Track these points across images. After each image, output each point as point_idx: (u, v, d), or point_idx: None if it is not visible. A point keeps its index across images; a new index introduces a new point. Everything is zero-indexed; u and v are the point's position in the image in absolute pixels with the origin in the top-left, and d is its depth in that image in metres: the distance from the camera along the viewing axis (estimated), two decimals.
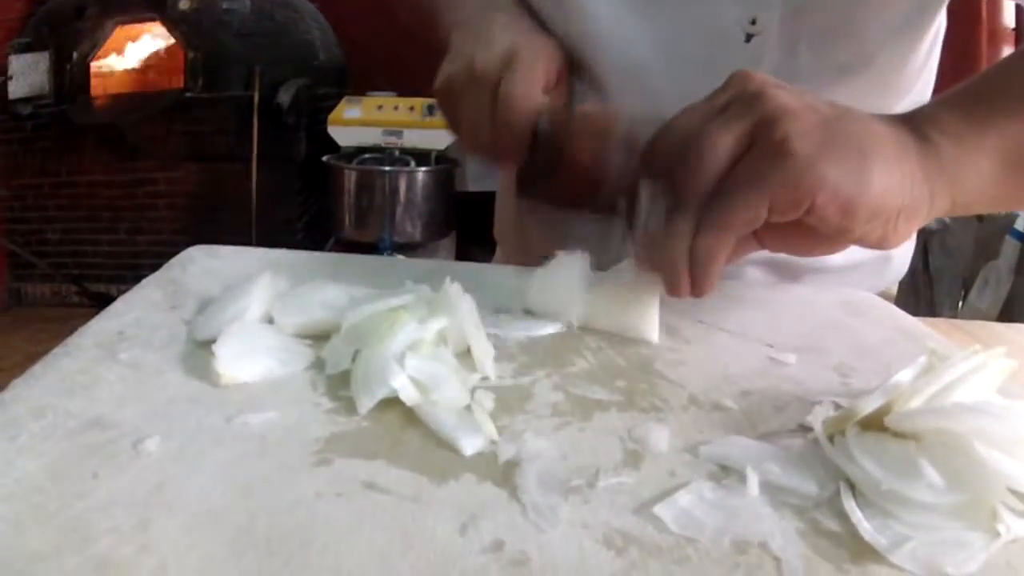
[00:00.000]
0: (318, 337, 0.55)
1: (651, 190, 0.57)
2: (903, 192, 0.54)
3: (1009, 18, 3.78)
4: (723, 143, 0.52)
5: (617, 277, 0.63)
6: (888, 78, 0.81)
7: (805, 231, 0.55)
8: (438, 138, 3.71)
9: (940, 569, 0.35)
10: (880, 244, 0.56)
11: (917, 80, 0.86)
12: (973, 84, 0.61)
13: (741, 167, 0.52)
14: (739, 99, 0.54)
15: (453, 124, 0.74)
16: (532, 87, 0.68)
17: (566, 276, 0.62)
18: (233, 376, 0.48)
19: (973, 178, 0.57)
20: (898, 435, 0.43)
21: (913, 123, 0.57)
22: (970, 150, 0.57)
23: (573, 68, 0.77)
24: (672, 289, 0.56)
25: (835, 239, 0.56)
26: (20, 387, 0.46)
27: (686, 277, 0.55)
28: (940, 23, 0.83)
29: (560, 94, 0.73)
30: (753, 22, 0.75)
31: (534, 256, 0.93)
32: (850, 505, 0.39)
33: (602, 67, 0.81)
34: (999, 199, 0.62)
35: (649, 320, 0.61)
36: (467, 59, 0.71)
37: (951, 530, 0.38)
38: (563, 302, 0.62)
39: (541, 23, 0.79)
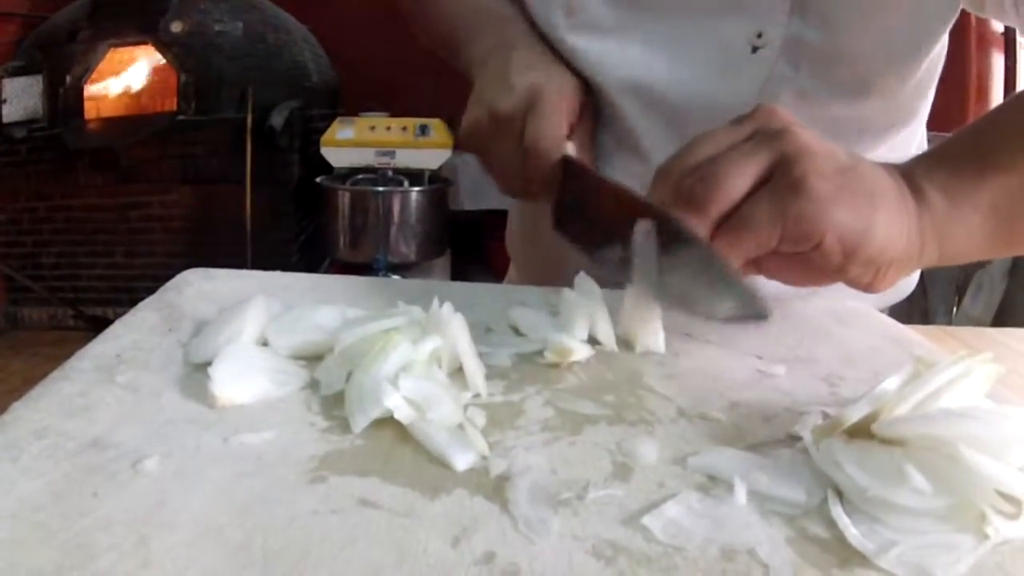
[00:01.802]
0: (312, 358, 0.55)
1: (646, 227, 0.58)
2: (900, 244, 0.57)
3: (998, 24, 3.80)
4: (746, 170, 0.55)
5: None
6: (888, 99, 0.82)
7: (803, 263, 0.57)
8: (431, 158, 3.73)
9: (928, 573, 0.36)
10: (868, 288, 0.59)
11: (919, 102, 0.87)
12: (966, 136, 0.64)
13: (760, 195, 0.55)
14: (764, 132, 0.56)
15: (485, 167, 0.77)
16: (556, 134, 0.70)
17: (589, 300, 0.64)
18: (229, 397, 0.49)
19: (963, 234, 0.60)
20: (885, 442, 0.43)
21: (911, 176, 0.60)
22: (962, 207, 0.60)
23: (591, 97, 0.80)
24: None
25: (830, 276, 0.59)
26: (20, 409, 0.47)
27: None
28: (942, 47, 0.84)
29: (584, 129, 0.76)
30: (759, 35, 0.76)
31: (547, 269, 0.94)
32: (837, 511, 0.40)
33: (614, 88, 0.81)
34: (986, 250, 0.64)
35: (653, 332, 0.62)
36: (489, 105, 0.73)
37: (939, 534, 0.39)
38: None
39: (553, 50, 0.81)
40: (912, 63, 0.79)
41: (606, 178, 0.67)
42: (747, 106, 0.76)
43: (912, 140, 0.91)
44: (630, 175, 0.85)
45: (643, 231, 0.58)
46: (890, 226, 0.57)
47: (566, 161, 0.69)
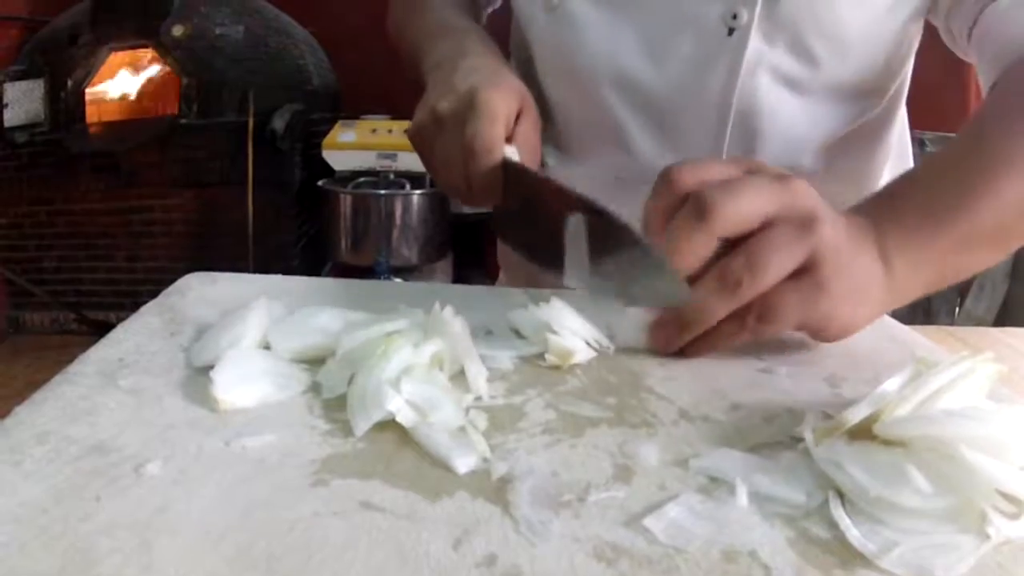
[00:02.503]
0: (314, 361, 0.55)
1: (577, 219, 0.60)
2: (871, 318, 0.63)
3: None
4: (786, 265, 0.57)
5: None
6: (863, 77, 0.84)
7: None
8: None
9: (930, 573, 0.36)
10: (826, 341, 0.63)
11: (895, 72, 0.88)
12: (929, 180, 0.68)
13: (788, 289, 0.57)
14: (794, 220, 0.57)
15: (430, 170, 0.78)
16: (493, 136, 0.70)
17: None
18: (231, 401, 0.49)
19: (914, 291, 0.65)
20: (886, 443, 0.44)
21: (885, 249, 0.63)
22: (920, 271, 0.64)
23: (541, 105, 0.81)
24: (667, 347, 0.61)
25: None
26: (22, 414, 0.47)
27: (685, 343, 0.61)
28: (919, 27, 0.85)
29: (526, 131, 0.75)
30: (734, 16, 0.78)
31: (533, 274, 0.95)
32: (838, 513, 0.40)
33: (595, 80, 0.83)
34: (926, 293, 0.68)
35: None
36: (432, 106, 0.74)
37: (940, 534, 0.39)
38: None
39: (520, 57, 0.82)
40: (885, 25, 0.81)
41: (547, 177, 0.67)
42: (728, 92, 0.78)
43: (893, 118, 0.92)
44: (613, 167, 0.86)
45: (574, 223, 0.60)
46: (870, 312, 0.63)
47: (506, 164, 0.70)
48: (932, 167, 0.70)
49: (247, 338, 0.56)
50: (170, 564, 0.34)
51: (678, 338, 0.60)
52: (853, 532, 0.39)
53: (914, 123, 1.01)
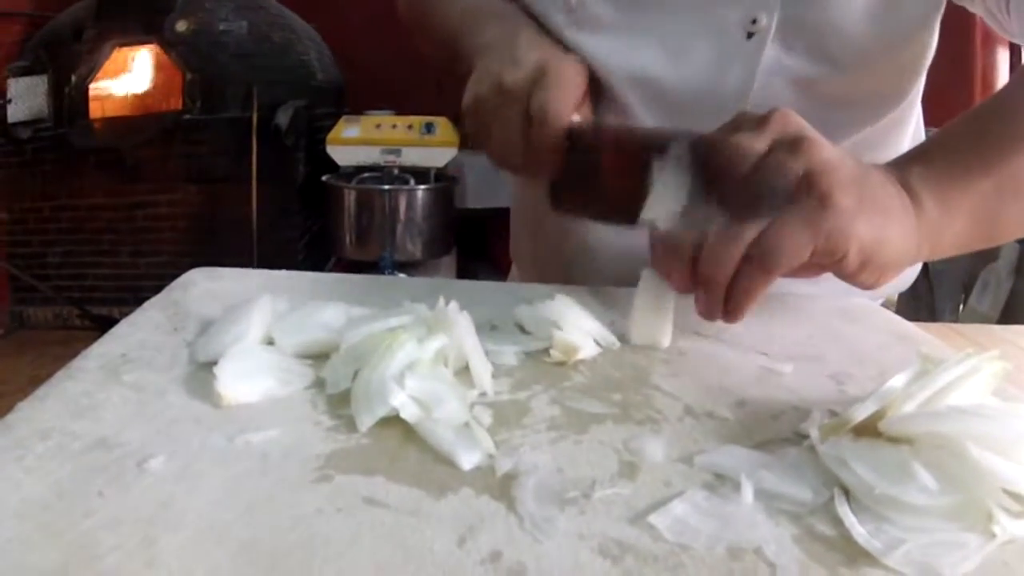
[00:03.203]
0: (318, 357, 0.55)
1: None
2: (904, 250, 0.60)
3: None
4: (780, 186, 0.56)
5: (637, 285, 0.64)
6: (880, 74, 0.84)
7: (815, 266, 0.59)
8: (437, 156, 3.72)
9: (935, 571, 0.36)
10: (867, 287, 0.62)
11: (912, 77, 0.88)
12: (955, 135, 0.68)
13: (789, 216, 0.56)
14: (784, 145, 0.58)
15: (482, 142, 0.76)
16: (565, 104, 0.70)
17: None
18: (234, 396, 0.49)
19: (950, 236, 0.64)
20: (892, 440, 0.44)
21: (908, 183, 0.62)
22: (952, 212, 0.63)
23: (594, 86, 0.80)
24: (708, 313, 0.59)
25: (838, 276, 0.61)
26: (26, 409, 0.47)
27: (722, 304, 0.58)
28: (933, 35, 0.85)
29: (586, 111, 0.76)
30: (753, 21, 0.77)
31: (548, 267, 0.95)
32: (844, 510, 0.40)
33: (615, 81, 0.83)
34: (964, 247, 0.68)
35: (662, 327, 0.63)
36: (495, 77, 0.73)
37: (946, 532, 0.39)
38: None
39: (558, 41, 0.82)
40: (903, 33, 0.81)
41: (608, 125, 0.70)
42: (744, 94, 0.77)
43: (907, 121, 0.92)
44: None
45: (677, 151, 0.62)
46: (899, 236, 0.60)
47: (572, 131, 0.70)
48: (963, 122, 0.70)
49: (250, 334, 0.56)
50: (173, 559, 0.34)
51: (709, 300, 0.58)
52: (859, 530, 0.38)
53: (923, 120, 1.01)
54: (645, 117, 0.84)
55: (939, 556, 0.37)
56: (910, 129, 0.94)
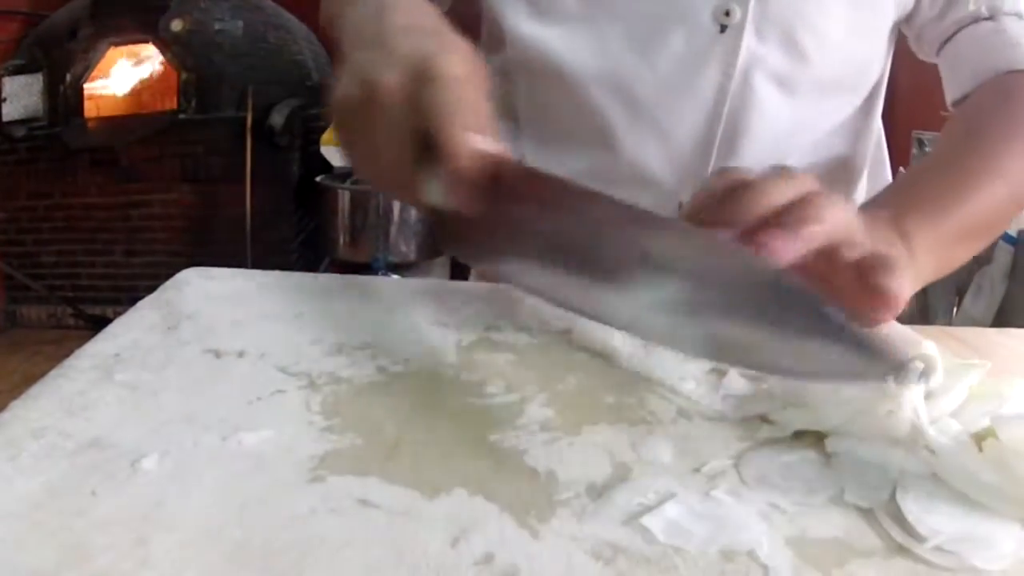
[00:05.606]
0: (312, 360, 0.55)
1: None
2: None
3: None
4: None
5: None
6: (847, 72, 0.85)
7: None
8: None
9: (967, 563, 0.37)
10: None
11: (872, 78, 0.89)
12: (932, 176, 0.73)
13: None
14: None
15: (350, 156, 0.60)
16: (475, 117, 0.52)
17: None
18: None
19: (930, 276, 0.65)
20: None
21: (907, 236, 0.62)
22: (934, 254, 0.64)
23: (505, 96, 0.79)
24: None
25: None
26: (19, 408, 0.47)
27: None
28: (895, 29, 0.87)
29: (493, 128, 0.55)
30: (727, 13, 0.77)
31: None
32: (907, 507, 0.41)
33: (580, 78, 0.82)
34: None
35: None
36: (362, 76, 0.54)
37: (980, 525, 0.39)
38: None
39: (492, 55, 0.81)
40: (868, 20, 0.83)
41: (547, 174, 0.52)
42: (723, 93, 0.78)
43: (873, 111, 0.93)
44: (593, 167, 0.84)
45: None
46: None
47: (479, 154, 0.51)
48: (933, 167, 0.74)
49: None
50: (166, 559, 0.34)
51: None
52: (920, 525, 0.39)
53: (912, 123, 1.02)
54: (612, 118, 0.82)
55: (973, 550, 0.38)
56: (876, 122, 0.95)
